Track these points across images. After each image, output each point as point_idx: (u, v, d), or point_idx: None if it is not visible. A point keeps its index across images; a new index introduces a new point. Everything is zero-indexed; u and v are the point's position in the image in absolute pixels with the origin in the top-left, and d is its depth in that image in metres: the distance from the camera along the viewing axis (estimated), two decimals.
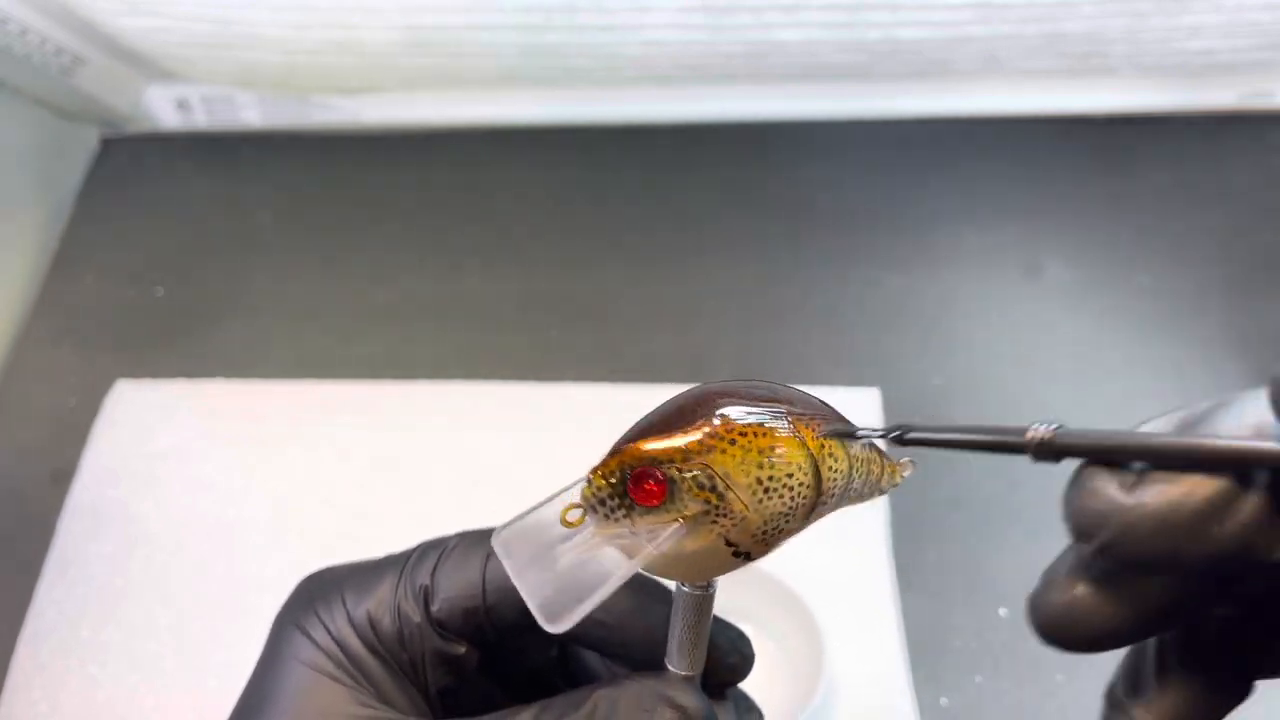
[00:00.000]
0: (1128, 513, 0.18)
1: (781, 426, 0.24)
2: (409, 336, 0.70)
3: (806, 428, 0.24)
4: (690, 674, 0.26)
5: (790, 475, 0.23)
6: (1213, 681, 0.20)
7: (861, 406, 0.63)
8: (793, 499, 0.24)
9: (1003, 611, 0.56)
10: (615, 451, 0.24)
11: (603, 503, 0.24)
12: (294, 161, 0.79)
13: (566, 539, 0.25)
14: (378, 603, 0.29)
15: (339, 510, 0.62)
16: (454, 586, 0.29)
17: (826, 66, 0.71)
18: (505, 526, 0.26)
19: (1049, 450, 0.19)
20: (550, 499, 0.26)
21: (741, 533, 0.23)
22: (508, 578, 0.28)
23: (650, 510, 0.23)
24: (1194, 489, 0.17)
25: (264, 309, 0.72)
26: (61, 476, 0.64)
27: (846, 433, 0.24)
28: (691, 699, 0.26)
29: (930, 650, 0.56)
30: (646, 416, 0.25)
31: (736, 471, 0.23)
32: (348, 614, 0.29)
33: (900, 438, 0.23)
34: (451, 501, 0.62)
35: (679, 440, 0.23)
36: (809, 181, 0.75)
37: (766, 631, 0.54)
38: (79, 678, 0.57)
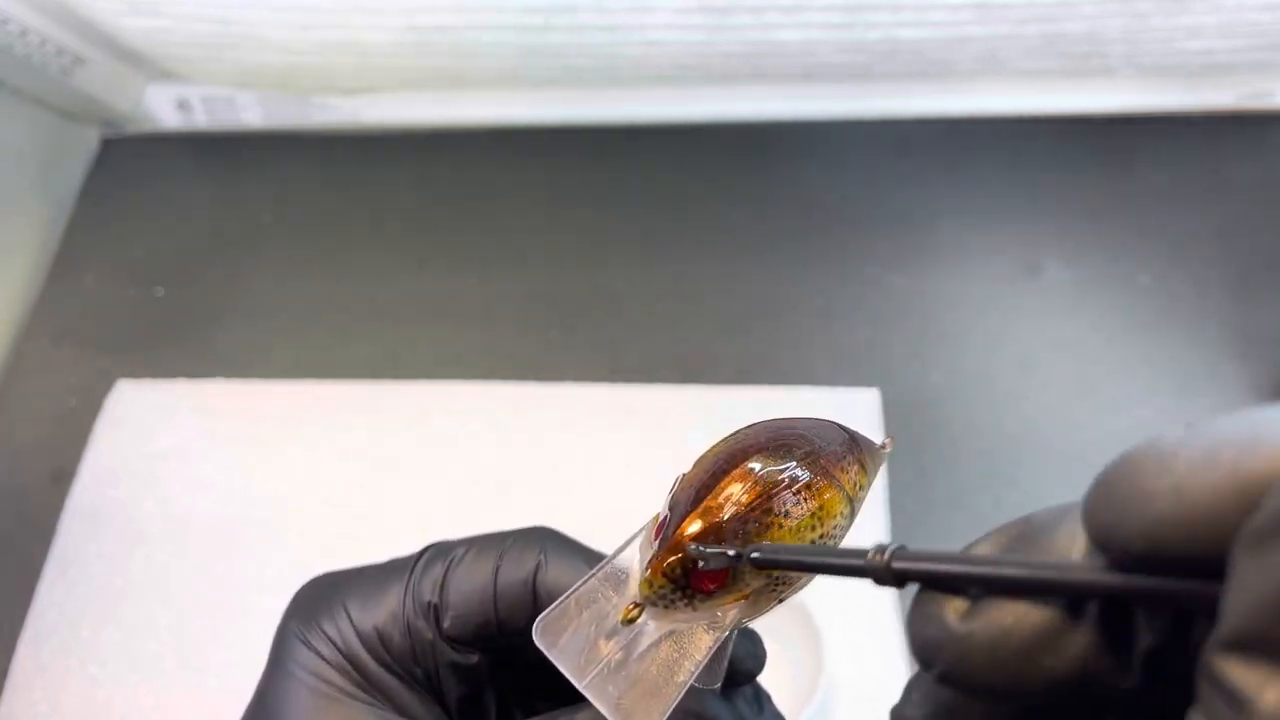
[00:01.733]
0: (960, 642, 0.18)
1: (821, 478, 0.23)
2: (409, 336, 0.70)
3: (840, 469, 0.24)
4: (714, 686, 0.27)
5: (836, 524, 0.24)
6: None
7: (861, 406, 0.64)
8: (838, 538, 0.24)
9: None
10: (672, 547, 0.23)
11: (661, 598, 0.23)
12: (294, 162, 0.79)
13: (620, 631, 0.24)
14: (387, 616, 0.29)
15: (339, 510, 0.62)
16: (465, 601, 0.29)
17: (826, 67, 0.71)
18: (545, 617, 0.25)
19: (888, 575, 0.19)
20: (588, 578, 0.25)
21: (796, 588, 0.24)
22: (519, 588, 0.29)
23: (711, 595, 0.23)
24: (1022, 619, 0.17)
25: (264, 309, 0.72)
26: (62, 476, 0.64)
27: (710, 563, 0.24)
28: (721, 713, 0.27)
29: None
30: (687, 485, 0.24)
31: (794, 541, 0.23)
32: (355, 627, 0.29)
33: (741, 559, 0.23)
34: (451, 501, 0.62)
35: (735, 523, 0.23)
36: (809, 181, 0.75)
37: (767, 632, 0.54)
38: (79, 678, 0.57)
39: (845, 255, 0.71)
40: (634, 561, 0.25)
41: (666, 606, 0.23)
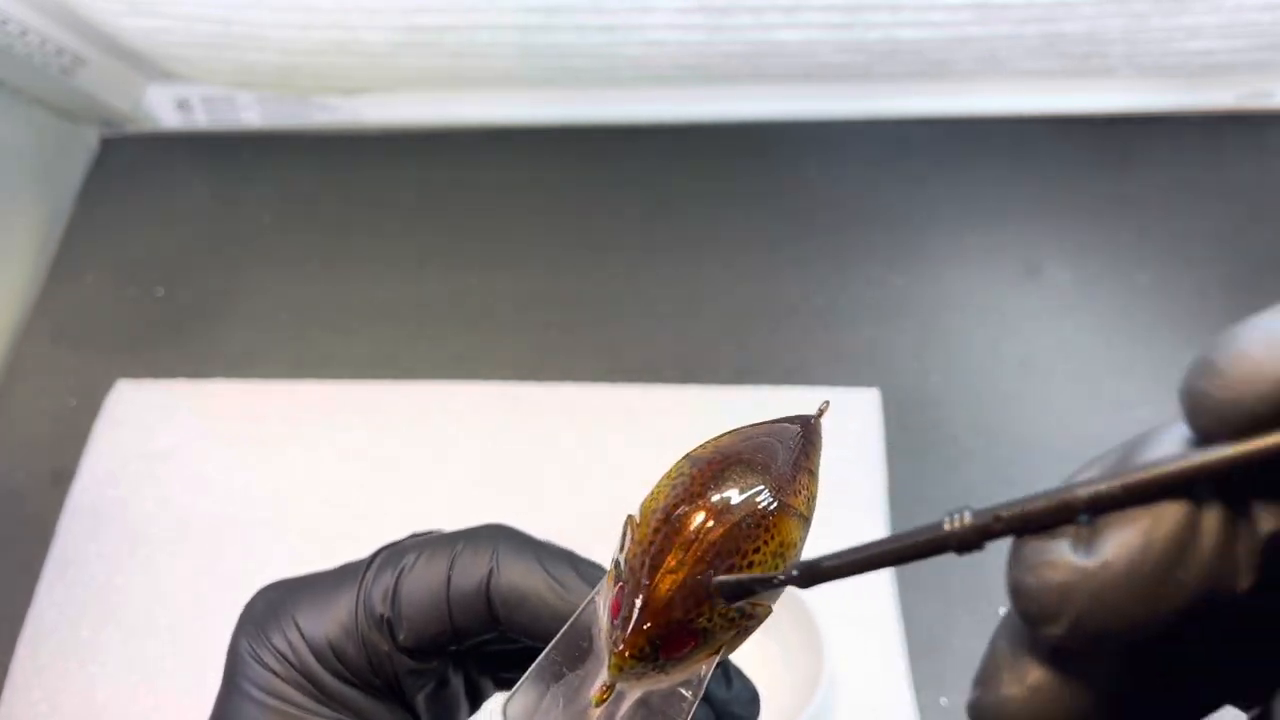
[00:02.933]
0: (1093, 578, 0.16)
1: (779, 508, 0.22)
2: (409, 336, 0.70)
3: (794, 494, 0.23)
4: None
5: (797, 551, 0.23)
6: None
7: (861, 406, 0.63)
8: (800, 555, 0.23)
9: (1002, 611, 0.56)
10: (636, 627, 0.21)
11: (634, 673, 0.22)
12: (294, 161, 0.79)
13: (594, 708, 0.23)
14: (339, 630, 0.28)
15: (339, 510, 0.62)
16: (419, 613, 0.28)
17: (826, 67, 0.71)
18: (511, 698, 0.24)
19: (975, 536, 0.17)
20: (549, 649, 0.24)
21: (761, 621, 0.23)
22: (472, 596, 0.28)
23: (683, 659, 0.22)
24: (1152, 529, 0.15)
25: (264, 309, 0.72)
26: (62, 476, 0.64)
27: (756, 590, 0.22)
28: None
29: (930, 650, 0.56)
30: (638, 545, 0.22)
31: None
32: (306, 641, 0.28)
33: (808, 578, 0.20)
34: (451, 501, 0.62)
35: (700, 589, 0.21)
36: (809, 181, 0.75)
37: (766, 631, 0.54)
38: (79, 678, 0.57)
39: (845, 255, 0.71)
40: (599, 619, 0.24)
41: (639, 678, 0.22)
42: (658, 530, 0.22)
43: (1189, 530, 0.15)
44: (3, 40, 0.67)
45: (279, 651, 0.28)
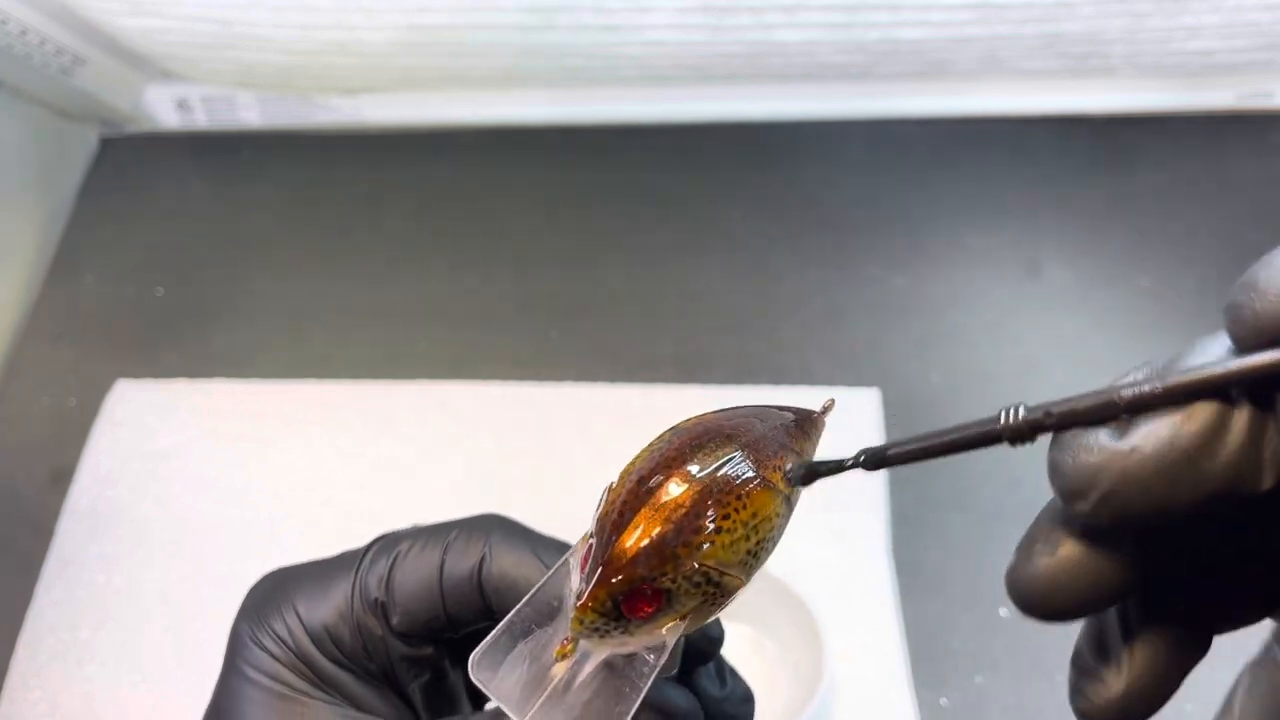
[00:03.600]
0: (1123, 458, 0.17)
1: (755, 480, 0.22)
2: (409, 336, 0.70)
3: (774, 470, 0.23)
4: (672, 673, 0.26)
5: (772, 526, 0.23)
6: (1177, 639, 0.20)
7: (861, 406, 0.63)
8: (775, 538, 0.23)
9: (1003, 612, 0.56)
10: (600, 580, 0.22)
11: (595, 630, 0.22)
12: (294, 161, 0.80)
13: (557, 664, 0.23)
14: (335, 614, 0.29)
15: (339, 510, 0.62)
16: (411, 598, 0.28)
17: (826, 67, 0.71)
18: (480, 651, 0.24)
19: (1027, 429, 0.19)
20: (520, 605, 0.25)
21: (737, 595, 0.23)
22: (465, 584, 0.28)
23: (647, 620, 0.22)
24: (1186, 420, 0.17)
25: (264, 309, 0.72)
26: (61, 476, 0.64)
27: (822, 473, 0.23)
28: (680, 702, 0.26)
29: (930, 650, 0.56)
30: (610, 508, 0.23)
31: (728, 555, 0.22)
32: (304, 625, 0.29)
33: (874, 462, 0.22)
34: (451, 501, 0.62)
35: (664, 547, 0.22)
36: (809, 181, 0.75)
37: (766, 631, 0.54)
38: (78, 677, 0.57)
39: (845, 255, 0.71)
40: (571, 579, 0.24)
41: (602, 636, 0.22)
42: (631, 491, 0.22)
43: (1217, 426, 0.17)
44: (2, 40, 0.67)
45: (277, 635, 0.29)
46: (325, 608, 0.29)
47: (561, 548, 0.30)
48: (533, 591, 0.25)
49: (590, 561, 0.22)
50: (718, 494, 0.22)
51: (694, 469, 0.22)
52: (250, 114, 0.80)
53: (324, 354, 0.69)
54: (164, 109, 0.81)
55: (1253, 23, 0.65)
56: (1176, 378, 0.17)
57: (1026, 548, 0.20)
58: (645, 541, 0.22)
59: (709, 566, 0.22)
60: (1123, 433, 0.18)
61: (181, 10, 0.67)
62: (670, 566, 0.22)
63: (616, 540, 0.22)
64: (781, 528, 0.23)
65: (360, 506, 0.62)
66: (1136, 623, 0.20)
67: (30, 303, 0.74)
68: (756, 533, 0.22)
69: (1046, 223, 0.72)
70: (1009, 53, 0.69)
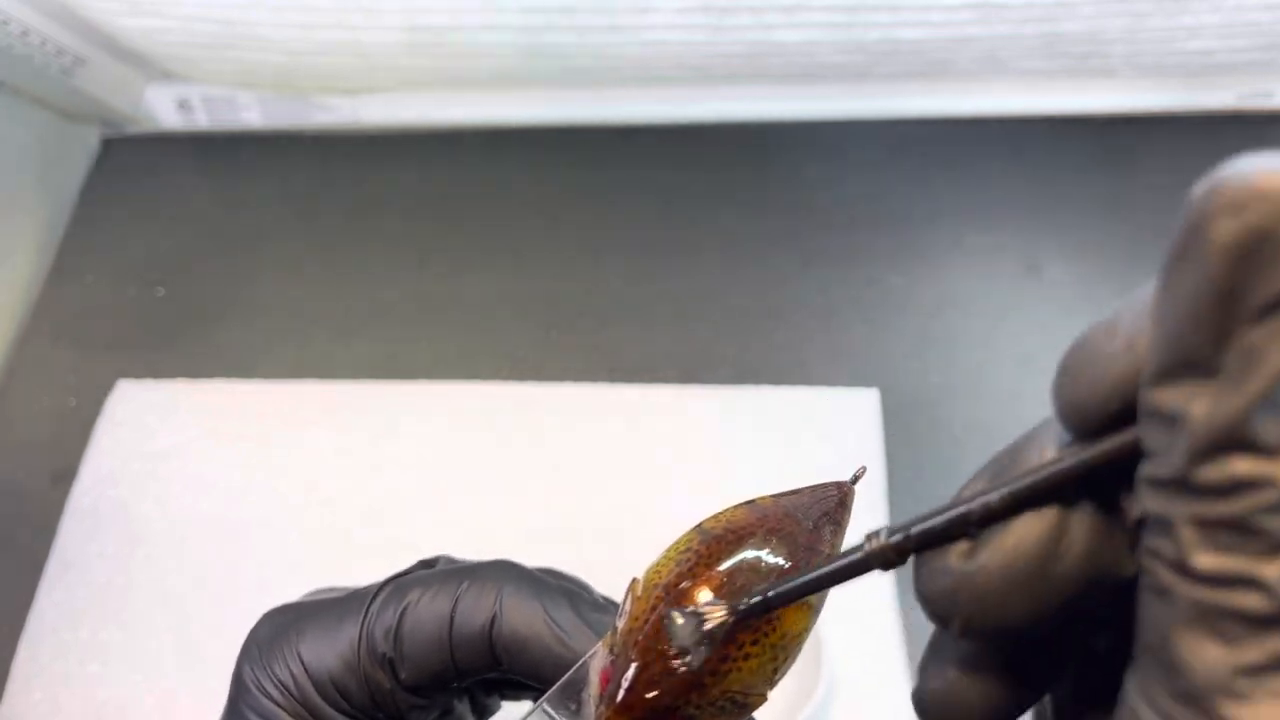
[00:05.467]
0: (972, 579, 0.17)
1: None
2: (409, 336, 0.70)
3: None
4: None
5: (801, 642, 0.22)
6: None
7: (861, 407, 0.64)
8: (801, 648, 0.22)
9: None
10: (621, 706, 0.21)
11: None
12: (295, 161, 0.80)
13: None
14: (342, 666, 0.28)
15: (339, 510, 0.62)
16: (421, 653, 0.28)
17: (826, 67, 0.71)
18: None
19: (893, 553, 0.19)
20: (537, 706, 0.24)
21: (759, 707, 0.22)
22: (475, 639, 0.28)
23: None
24: (1024, 533, 0.17)
25: (265, 309, 0.72)
26: (62, 476, 0.64)
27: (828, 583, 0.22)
28: None
29: None
30: (634, 621, 0.21)
31: (755, 679, 0.21)
32: (309, 674, 0.28)
33: (764, 607, 0.21)
34: (451, 501, 0.62)
35: (690, 677, 0.21)
36: (809, 181, 0.75)
37: None
38: (80, 677, 0.57)
39: (845, 255, 0.71)
40: (590, 682, 0.23)
41: None
42: (654, 608, 0.21)
43: (1058, 531, 0.17)
44: (3, 40, 0.67)
45: (281, 682, 0.28)
46: (331, 656, 0.28)
47: (570, 600, 0.29)
48: (556, 687, 0.24)
49: (611, 683, 0.21)
50: (743, 624, 0.21)
51: (722, 585, 0.21)
52: (251, 114, 0.80)
53: (325, 354, 0.69)
54: (165, 109, 0.81)
55: (1253, 22, 0.65)
56: (1014, 486, 0.17)
57: (921, 670, 0.20)
58: (671, 676, 0.21)
59: (734, 691, 0.21)
60: (973, 550, 0.18)
61: (182, 10, 0.67)
62: (695, 695, 0.21)
63: (640, 665, 0.21)
64: (808, 635, 0.22)
65: (360, 506, 0.62)
66: (1071, 714, 0.20)
67: (31, 303, 0.74)
68: (785, 652, 0.21)
69: (1046, 222, 0.72)
70: (1009, 53, 0.69)
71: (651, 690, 0.21)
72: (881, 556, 0.19)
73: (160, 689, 0.57)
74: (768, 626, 0.21)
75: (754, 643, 0.21)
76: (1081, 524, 0.17)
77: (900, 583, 0.57)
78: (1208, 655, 0.14)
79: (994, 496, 0.17)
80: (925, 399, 0.65)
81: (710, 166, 0.77)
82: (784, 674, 0.22)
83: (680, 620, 0.21)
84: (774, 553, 0.22)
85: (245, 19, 0.67)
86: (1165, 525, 0.15)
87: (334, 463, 0.64)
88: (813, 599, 0.22)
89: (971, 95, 0.76)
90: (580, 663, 0.24)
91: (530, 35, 0.68)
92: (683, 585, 0.21)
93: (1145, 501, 0.15)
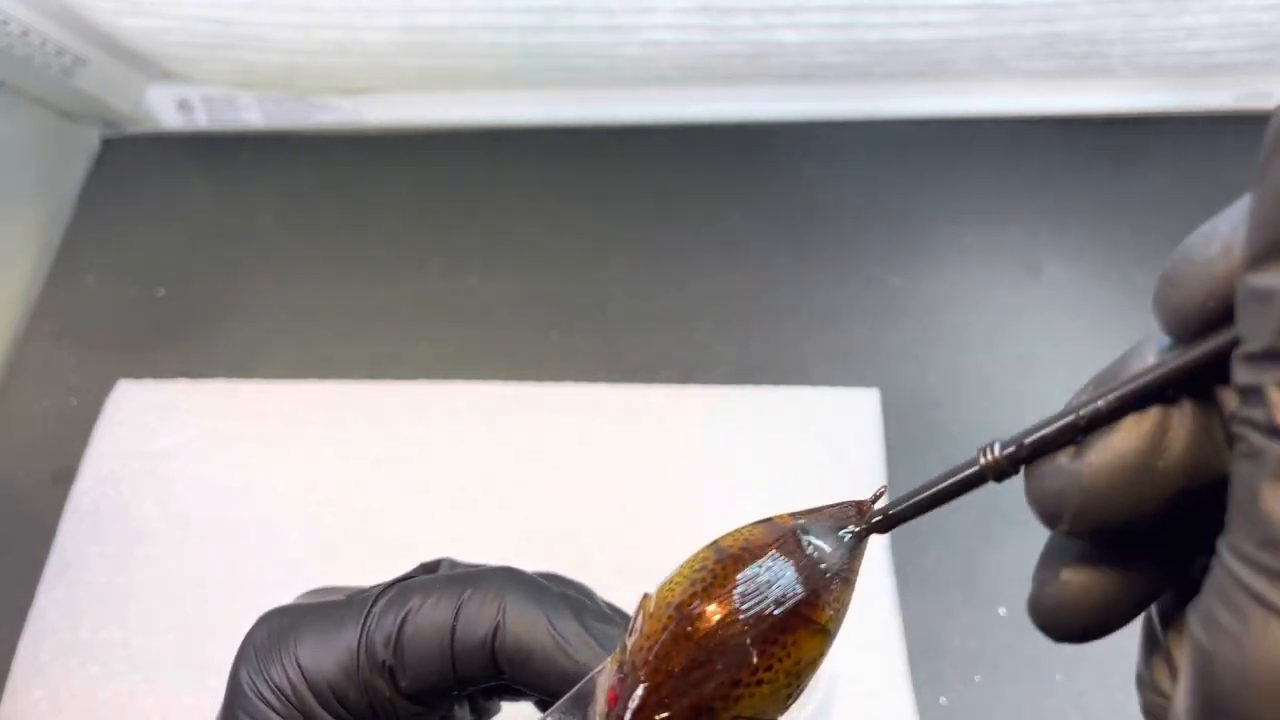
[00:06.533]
0: (1079, 478, 0.18)
1: (802, 623, 0.21)
2: (410, 336, 0.70)
3: (823, 607, 0.21)
4: None
5: (815, 668, 0.21)
6: None
7: (860, 407, 0.64)
8: (817, 671, 0.21)
9: (1002, 611, 0.57)
10: None
11: None
12: (295, 161, 0.80)
13: None
14: (340, 672, 0.28)
15: (339, 509, 0.62)
16: (421, 662, 0.28)
17: (826, 67, 0.71)
18: None
19: (1008, 464, 0.20)
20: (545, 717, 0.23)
21: None
22: (477, 650, 0.28)
23: None
24: (1128, 433, 0.18)
25: (265, 309, 0.72)
26: (62, 476, 0.64)
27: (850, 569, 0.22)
28: None
29: (930, 649, 0.56)
30: (645, 639, 0.21)
31: (767, 704, 0.21)
32: (307, 680, 0.28)
33: (881, 526, 0.23)
34: (452, 501, 0.62)
35: (701, 701, 0.20)
36: (808, 181, 0.75)
37: None
38: (80, 677, 0.57)
39: (844, 255, 0.71)
40: (597, 699, 0.23)
41: None
42: (666, 627, 0.21)
43: (1160, 428, 0.18)
44: (3, 41, 0.67)
45: (278, 687, 0.28)
46: (329, 662, 0.28)
47: (573, 609, 0.29)
48: (562, 701, 0.24)
49: (619, 702, 0.21)
50: (762, 641, 0.20)
51: (738, 606, 0.20)
52: (251, 114, 0.80)
53: (325, 354, 0.70)
54: (165, 109, 0.81)
55: (1252, 23, 0.65)
56: (1120, 390, 0.18)
57: (1036, 576, 0.21)
58: (681, 698, 0.20)
59: (745, 717, 0.21)
60: (1081, 451, 0.19)
61: (182, 11, 0.67)
62: (705, 718, 0.20)
63: (649, 685, 0.21)
64: (824, 658, 0.22)
65: (360, 505, 0.62)
66: (1176, 621, 0.20)
67: (31, 303, 0.74)
68: (799, 679, 0.21)
69: (1046, 222, 0.72)
70: (1008, 53, 0.69)
71: (661, 712, 0.20)
72: (996, 467, 0.20)
73: (161, 689, 0.57)
74: (782, 651, 0.21)
75: (768, 668, 0.20)
76: (1183, 421, 0.18)
77: (900, 583, 0.57)
78: None
79: (1100, 402, 0.18)
80: (925, 399, 0.65)
81: (710, 167, 0.77)
82: (796, 700, 0.22)
83: (814, 538, 0.22)
84: (789, 570, 0.21)
85: (246, 19, 0.67)
86: (1256, 393, 0.15)
87: (334, 463, 0.64)
88: (830, 625, 0.21)
89: (971, 95, 0.76)
90: (589, 677, 0.24)
91: (530, 35, 0.68)
92: (696, 604, 0.21)
93: (1239, 376, 0.16)
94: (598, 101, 0.78)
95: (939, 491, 0.22)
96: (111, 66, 0.76)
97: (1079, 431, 0.19)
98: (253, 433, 0.65)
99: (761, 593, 0.21)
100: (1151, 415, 0.18)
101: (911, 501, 0.22)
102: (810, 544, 0.22)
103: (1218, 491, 0.17)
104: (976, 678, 0.55)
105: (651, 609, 0.22)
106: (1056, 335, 0.67)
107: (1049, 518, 0.19)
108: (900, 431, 0.63)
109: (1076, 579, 0.20)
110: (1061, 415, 0.19)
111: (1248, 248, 0.16)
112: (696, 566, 0.22)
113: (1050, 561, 0.21)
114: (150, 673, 0.57)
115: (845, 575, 0.22)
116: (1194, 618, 0.17)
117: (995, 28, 0.66)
